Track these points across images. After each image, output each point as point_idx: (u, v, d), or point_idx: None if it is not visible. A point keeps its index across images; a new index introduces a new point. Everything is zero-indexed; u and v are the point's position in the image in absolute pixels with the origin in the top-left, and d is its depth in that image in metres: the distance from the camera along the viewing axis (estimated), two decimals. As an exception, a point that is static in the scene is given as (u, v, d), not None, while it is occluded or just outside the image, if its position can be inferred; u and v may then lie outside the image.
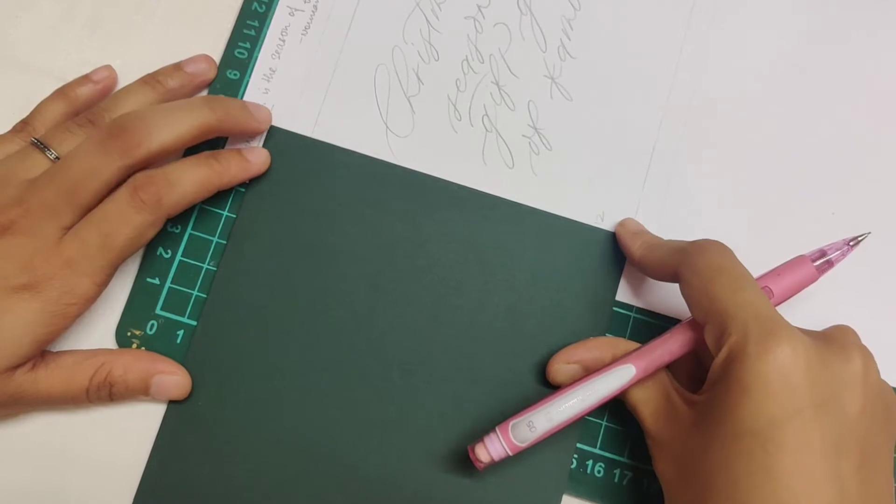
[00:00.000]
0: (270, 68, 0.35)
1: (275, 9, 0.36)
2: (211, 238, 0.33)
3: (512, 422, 0.28)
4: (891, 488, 0.26)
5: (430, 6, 0.36)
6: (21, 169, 0.30)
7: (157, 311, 0.33)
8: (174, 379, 0.31)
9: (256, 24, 0.36)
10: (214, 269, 0.33)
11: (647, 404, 0.29)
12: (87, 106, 0.34)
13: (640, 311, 0.33)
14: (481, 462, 0.28)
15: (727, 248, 0.28)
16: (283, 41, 0.36)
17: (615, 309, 0.33)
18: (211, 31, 0.36)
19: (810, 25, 0.36)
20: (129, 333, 0.32)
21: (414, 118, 0.35)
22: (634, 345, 0.29)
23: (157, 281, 0.33)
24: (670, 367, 0.29)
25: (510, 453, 0.28)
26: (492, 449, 0.28)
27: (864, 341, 0.27)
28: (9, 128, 0.33)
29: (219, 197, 0.33)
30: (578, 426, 0.32)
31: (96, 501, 0.31)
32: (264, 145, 0.34)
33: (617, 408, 0.31)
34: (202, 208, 0.34)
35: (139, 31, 0.36)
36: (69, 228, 0.29)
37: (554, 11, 0.36)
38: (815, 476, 0.24)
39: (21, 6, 0.36)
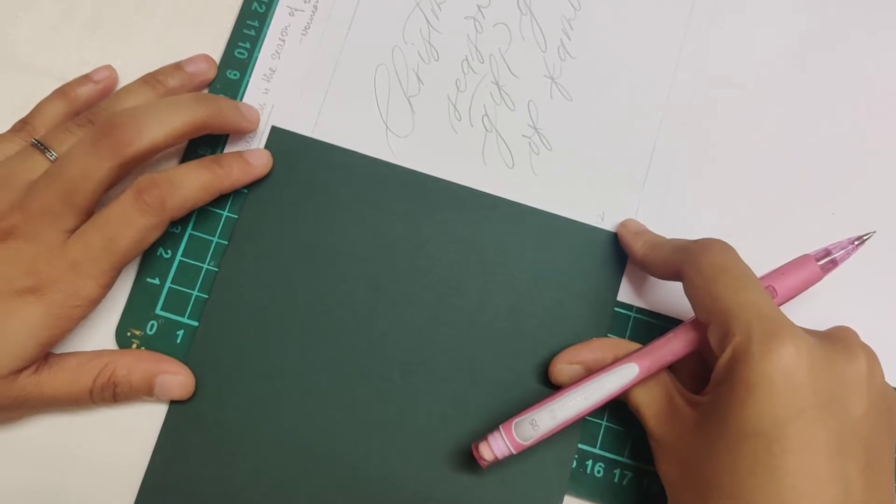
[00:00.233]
0: (270, 68, 0.35)
1: (275, 9, 0.36)
2: (211, 238, 0.33)
3: (515, 420, 0.28)
4: (894, 489, 0.26)
5: (430, 6, 0.36)
6: (21, 170, 0.30)
7: (157, 311, 0.33)
8: (178, 379, 0.31)
9: (256, 24, 0.36)
10: (214, 269, 0.33)
11: (650, 406, 0.29)
12: (87, 106, 0.34)
13: (641, 311, 0.33)
14: (485, 460, 0.28)
15: (730, 247, 0.28)
16: (283, 41, 0.36)
17: (616, 309, 0.33)
18: (211, 31, 0.36)
19: (810, 25, 0.36)
20: (129, 333, 0.32)
21: (414, 118, 0.35)
22: (637, 346, 0.29)
23: (157, 281, 0.33)
24: (672, 368, 0.29)
25: (514, 452, 0.28)
26: (495, 447, 0.28)
27: (868, 341, 0.27)
28: (8, 128, 0.33)
29: (219, 197, 0.33)
30: (579, 426, 0.32)
31: (98, 502, 0.31)
32: (264, 145, 0.34)
33: (617, 408, 0.31)
34: (202, 208, 0.33)
35: (139, 31, 0.36)
36: (71, 231, 0.29)
37: (554, 11, 0.36)
38: (820, 476, 0.24)
39: (21, 6, 0.36)
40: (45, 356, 0.30)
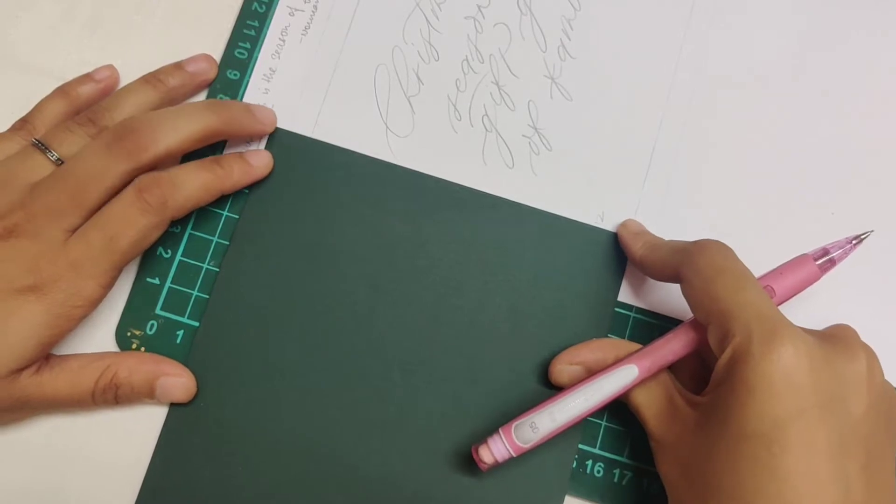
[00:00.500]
0: (270, 68, 0.35)
1: (275, 9, 0.36)
2: (211, 238, 0.33)
3: (515, 423, 0.28)
4: (895, 489, 0.26)
5: (430, 6, 0.36)
6: (22, 170, 0.30)
7: (157, 311, 0.33)
8: (179, 381, 0.31)
9: (256, 24, 0.36)
10: (215, 269, 0.33)
11: (650, 406, 0.29)
12: (87, 105, 0.34)
13: (641, 311, 0.33)
14: (485, 463, 0.28)
15: (728, 248, 0.28)
16: (283, 41, 0.36)
17: (616, 309, 0.33)
18: (211, 31, 0.36)
19: (810, 25, 0.36)
20: (128, 333, 0.32)
21: (414, 118, 0.35)
22: (637, 346, 0.29)
23: (157, 281, 0.33)
24: (672, 368, 0.29)
25: (513, 454, 0.28)
26: (495, 450, 0.28)
27: (866, 340, 0.27)
28: (8, 128, 0.33)
29: (219, 197, 0.33)
30: (579, 427, 0.32)
31: (98, 502, 0.31)
32: (265, 146, 0.34)
33: (617, 408, 0.31)
34: (202, 208, 0.33)
35: (139, 31, 0.36)
36: (72, 231, 0.29)
37: (554, 11, 0.36)
38: (820, 476, 0.24)
39: (21, 6, 0.36)
40: (46, 357, 0.30)
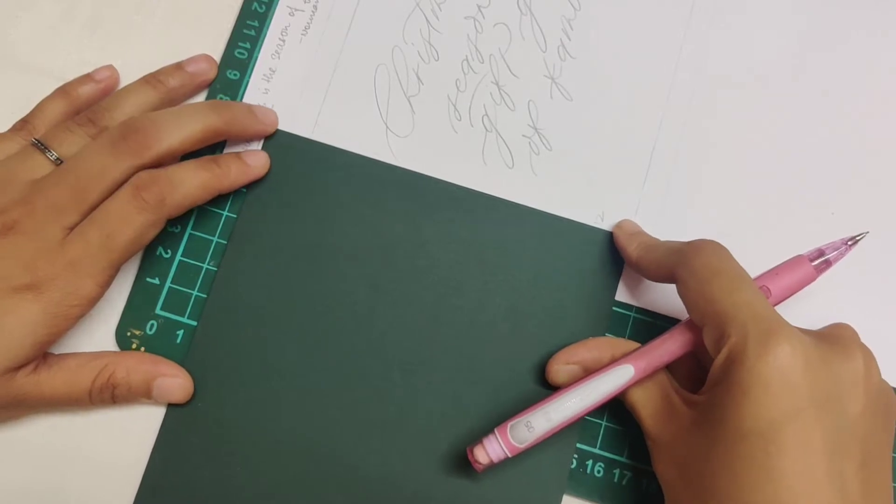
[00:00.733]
0: (270, 68, 0.35)
1: (275, 9, 0.36)
2: (211, 238, 0.33)
3: (510, 423, 0.28)
4: (891, 488, 0.26)
5: (430, 6, 0.36)
6: (21, 170, 0.30)
7: (157, 311, 0.33)
8: (177, 381, 0.31)
9: (256, 24, 0.36)
10: (214, 269, 0.33)
11: (646, 405, 0.29)
12: (87, 105, 0.34)
13: (639, 310, 0.33)
14: (480, 464, 0.28)
15: (724, 248, 0.28)
16: (283, 41, 0.36)
17: (615, 309, 0.33)
18: (211, 31, 0.36)
19: (810, 25, 0.36)
20: (128, 333, 0.33)
21: (414, 118, 0.35)
22: (634, 345, 0.29)
23: (156, 281, 0.33)
24: (669, 368, 0.29)
25: (509, 455, 0.28)
26: (490, 450, 0.28)
27: (863, 341, 0.27)
28: (8, 128, 0.33)
29: (219, 197, 0.33)
30: (578, 426, 0.32)
31: (97, 502, 0.31)
32: (264, 146, 0.34)
33: (616, 408, 0.31)
34: (202, 208, 0.34)
35: (139, 31, 0.36)
36: (70, 229, 0.29)
37: (554, 11, 0.36)
38: (817, 476, 0.24)
39: (21, 6, 0.36)
40: (44, 356, 0.30)
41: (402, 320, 0.33)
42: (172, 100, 0.34)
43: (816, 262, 0.29)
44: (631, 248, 0.32)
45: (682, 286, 0.28)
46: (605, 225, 0.34)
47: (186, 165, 0.31)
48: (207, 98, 0.35)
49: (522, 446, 0.28)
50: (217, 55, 0.35)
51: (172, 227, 0.33)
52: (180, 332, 0.33)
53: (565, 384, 0.29)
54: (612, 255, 0.34)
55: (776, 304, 0.28)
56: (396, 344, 0.33)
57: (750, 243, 0.32)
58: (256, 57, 0.35)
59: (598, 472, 0.32)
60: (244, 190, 0.34)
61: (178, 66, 0.34)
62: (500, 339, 0.33)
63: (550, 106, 0.35)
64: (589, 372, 0.29)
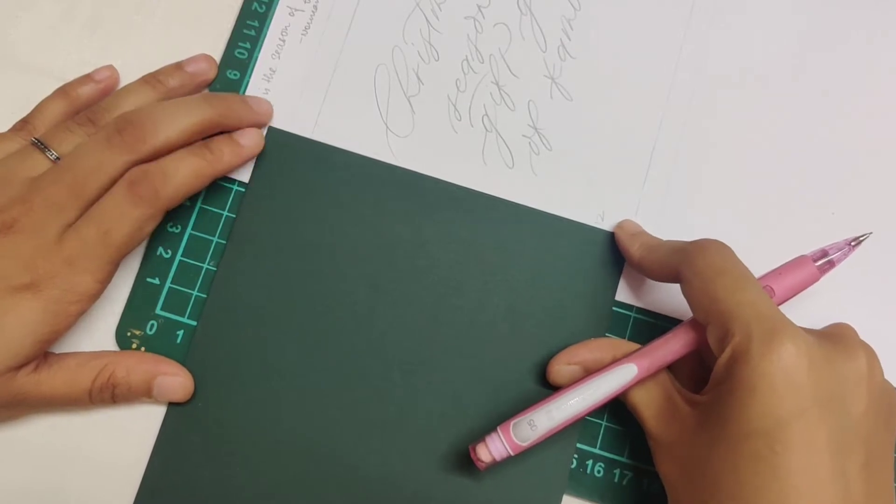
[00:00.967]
0: (270, 68, 0.35)
1: (275, 9, 0.36)
2: (211, 238, 0.33)
3: (513, 421, 0.28)
4: (893, 487, 0.26)
5: (430, 6, 0.36)
6: (21, 169, 0.30)
7: (157, 311, 0.33)
8: (177, 380, 0.31)
9: (256, 24, 0.36)
10: (214, 269, 0.33)
11: (648, 405, 0.29)
12: (87, 105, 0.34)
13: (640, 311, 0.33)
14: (483, 462, 0.28)
15: (727, 248, 0.28)
16: (283, 41, 0.36)
17: (615, 309, 0.33)
18: (211, 31, 0.36)
19: (810, 25, 0.36)
20: (128, 333, 0.32)
21: (414, 118, 0.35)
22: (635, 346, 0.29)
23: (157, 281, 0.33)
24: (671, 367, 0.29)
25: (511, 453, 0.28)
26: (493, 448, 0.28)
27: (866, 340, 0.27)
28: (8, 128, 0.33)
29: (219, 197, 0.33)
30: (578, 426, 0.32)
31: (97, 502, 0.31)
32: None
33: (617, 408, 0.31)
34: (202, 208, 0.34)
35: (139, 31, 0.36)
36: (69, 226, 0.29)
37: (554, 11, 0.36)
38: (820, 475, 0.24)
39: (21, 6, 0.36)
40: (44, 356, 0.30)
41: (402, 320, 0.33)
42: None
43: (820, 263, 0.29)
44: (633, 249, 0.32)
45: (685, 285, 0.28)
46: (606, 225, 0.34)
47: (178, 154, 0.31)
48: (207, 98, 0.35)
49: (525, 445, 0.28)
50: (217, 55, 0.35)
51: (172, 228, 0.33)
52: (180, 332, 0.33)
53: (566, 385, 0.29)
54: (613, 255, 0.34)
55: (779, 305, 0.28)
56: (396, 344, 0.33)
57: (750, 243, 0.32)
58: (256, 57, 0.35)
59: (599, 472, 0.32)
60: (242, 189, 0.34)
61: (178, 66, 0.34)
62: (500, 339, 0.33)
63: (550, 106, 0.35)
64: (590, 373, 0.29)
